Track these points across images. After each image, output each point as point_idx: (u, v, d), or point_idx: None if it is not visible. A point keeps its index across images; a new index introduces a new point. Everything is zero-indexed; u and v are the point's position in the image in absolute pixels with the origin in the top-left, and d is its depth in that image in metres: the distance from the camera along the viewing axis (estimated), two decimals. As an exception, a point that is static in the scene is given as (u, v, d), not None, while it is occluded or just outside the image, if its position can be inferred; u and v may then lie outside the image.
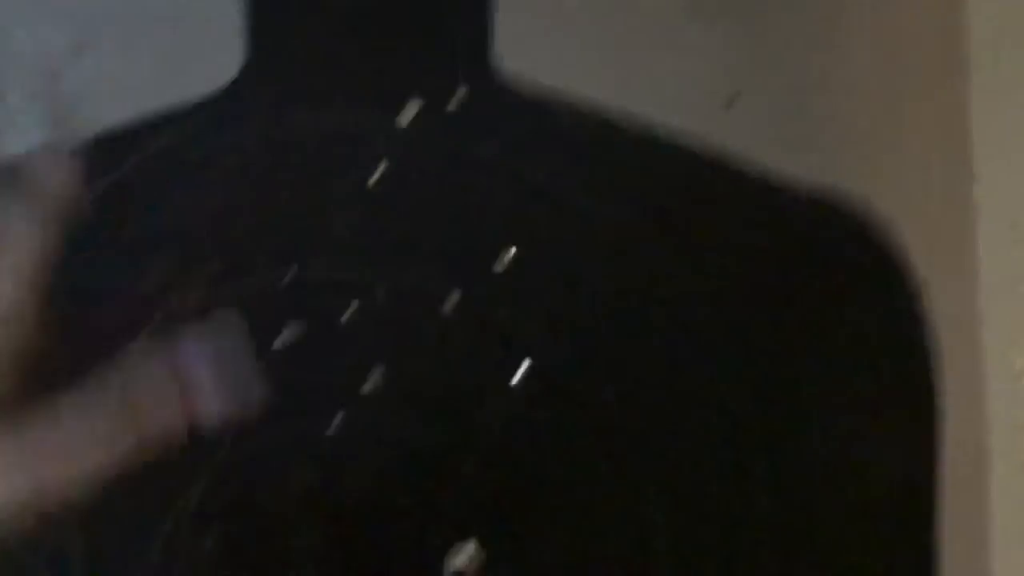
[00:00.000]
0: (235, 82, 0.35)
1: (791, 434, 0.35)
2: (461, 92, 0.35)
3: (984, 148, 0.37)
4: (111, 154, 0.35)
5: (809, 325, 0.36)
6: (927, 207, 0.37)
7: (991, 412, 0.37)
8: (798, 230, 0.36)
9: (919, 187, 0.37)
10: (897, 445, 0.34)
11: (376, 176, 0.36)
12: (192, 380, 0.28)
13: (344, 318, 0.35)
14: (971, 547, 0.36)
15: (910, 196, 0.37)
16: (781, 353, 0.35)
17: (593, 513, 0.34)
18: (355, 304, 0.35)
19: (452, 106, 0.35)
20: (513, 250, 0.35)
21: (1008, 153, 0.37)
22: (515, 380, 0.34)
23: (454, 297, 0.35)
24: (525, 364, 0.34)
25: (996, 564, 0.36)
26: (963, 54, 0.37)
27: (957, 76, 0.38)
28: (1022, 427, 0.36)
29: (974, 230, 0.36)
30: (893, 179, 0.37)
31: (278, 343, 0.35)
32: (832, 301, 0.36)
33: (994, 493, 0.36)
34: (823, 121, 0.36)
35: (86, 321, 0.32)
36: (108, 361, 0.28)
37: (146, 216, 0.35)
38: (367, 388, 0.35)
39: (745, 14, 0.36)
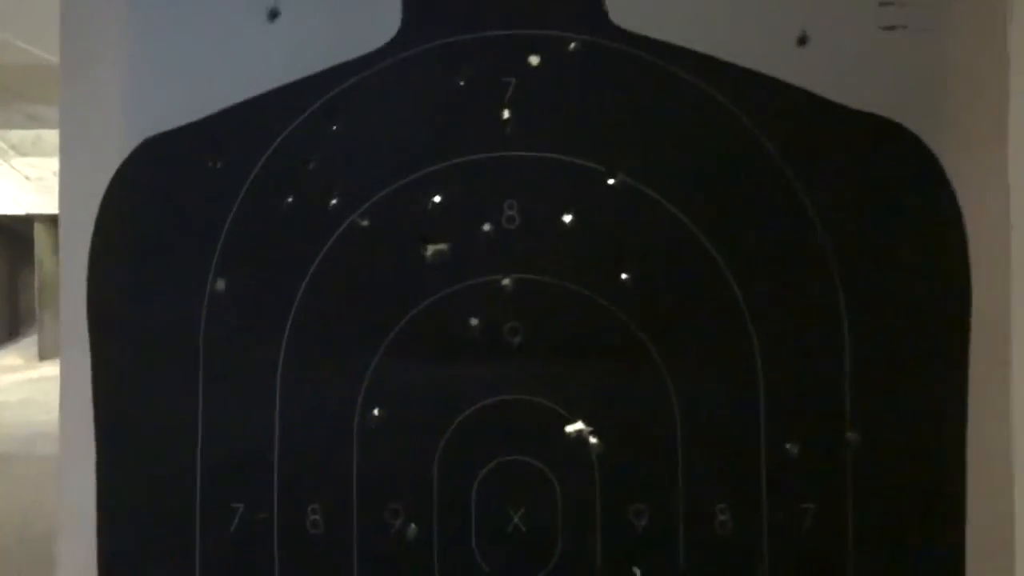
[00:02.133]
0: (394, 40, 0.44)
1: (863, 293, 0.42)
2: (579, 39, 0.43)
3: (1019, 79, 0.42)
4: (298, 99, 0.44)
5: (873, 222, 0.43)
6: (968, 137, 0.43)
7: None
8: (856, 145, 0.43)
9: (963, 121, 0.43)
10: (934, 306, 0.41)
11: (507, 115, 0.44)
12: None
13: (481, 231, 0.44)
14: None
15: (955, 127, 0.43)
16: (853, 244, 0.42)
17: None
18: (487, 222, 0.44)
19: (571, 48, 0.43)
20: (619, 175, 0.43)
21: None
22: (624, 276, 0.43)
23: (571, 212, 0.43)
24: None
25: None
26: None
27: (1000, 27, 0.43)
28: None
29: (1005, 160, 0.42)
30: (939, 112, 0.43)
31: (428, 251, 0.44)
32: (890, 204, 0.43)
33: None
34: (883, 59, 0.42)
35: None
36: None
37: (328, 149, 0.44)
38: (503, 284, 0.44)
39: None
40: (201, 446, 0.44)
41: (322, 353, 0.44)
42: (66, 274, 0.45)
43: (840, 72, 0.42)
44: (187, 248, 0.45)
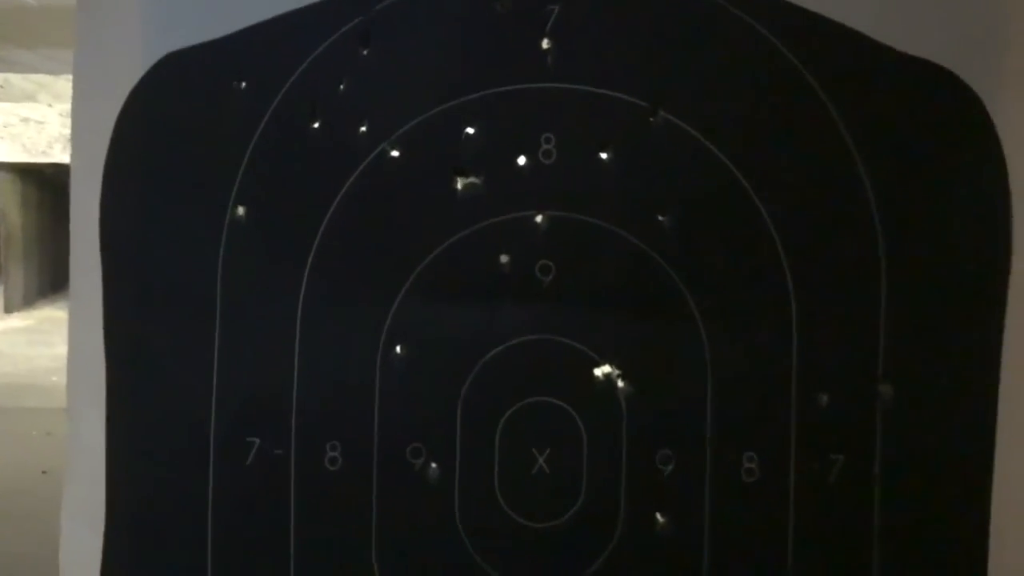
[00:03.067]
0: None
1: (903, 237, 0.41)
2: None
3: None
4: (329, 20, 0.42)
5: (918, 171, 0.42)
6: (1015, 89, 0.42)
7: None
8: (904, 89, 0.42)
9: (1018, 73, 0.42)
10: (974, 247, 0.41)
11: (547, 45, 0.42)
12: None
13: (516, 165, 0.42)
14: None
15: (1009, 80, 0.42)
16: (896, 193, 0.41)
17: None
18: (523, 155, 0.43)
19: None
20: (661, 112, 0.42)
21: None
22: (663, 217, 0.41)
23: (610, 150, 0.42)
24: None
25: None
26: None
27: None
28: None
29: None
30: (994, 62, 0.42)
31: (459, 184, 0.43)
32: (936, 153, 0.42)
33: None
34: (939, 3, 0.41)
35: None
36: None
37: (359, 74, 0.42)
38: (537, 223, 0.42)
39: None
40: (217, 380, 0.43)
41: (345, 287, 0.43)
42: (77, 196, 0.43)
43: (894, 14, 0.41)
44: (206, 172, 0.43)
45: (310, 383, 0.43)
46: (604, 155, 0.42)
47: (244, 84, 0.42)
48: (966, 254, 0.42)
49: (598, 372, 0.43)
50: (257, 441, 0.43)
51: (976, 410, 0.42)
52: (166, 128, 0.43)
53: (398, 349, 0.43)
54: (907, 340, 0.42)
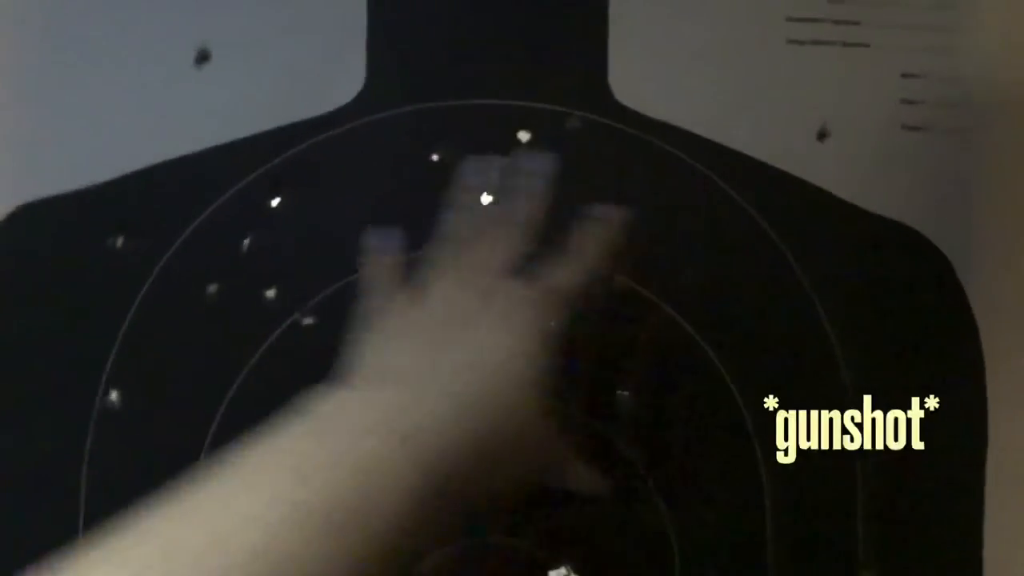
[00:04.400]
0: (357, 101, 0.36)
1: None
2: (578, 115, 0.37)
3: None
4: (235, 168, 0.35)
5: (886, 333, 0.39)
6: (983, 250, 0.40)
7: None
8: (873, 250, 0.39)
9: (981, 233, 0.40)
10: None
11: (486, 200, 0.37)
12: None
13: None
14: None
15: (975, 237, 0.40)
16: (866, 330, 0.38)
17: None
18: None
19: (570, 125, 0.37)
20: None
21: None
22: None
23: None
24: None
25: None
26: None
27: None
28: None
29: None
30: (959, 220, 0.40)
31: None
32: (904, 316, 0.39)
33: None
34: (904, 159, 0.39)
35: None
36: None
37: (267, 228, 0.36)
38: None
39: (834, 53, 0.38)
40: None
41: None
42: None
43: (859, 170, 0.38)
44: (73, 348, 0.35)
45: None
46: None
47: (122, 240, 0.35)
48: (942, 427, 0.39)
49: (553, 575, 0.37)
50: None
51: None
52: (21, 295, 0.34)
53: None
54: (883, 528, 0.38)
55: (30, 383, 0.34)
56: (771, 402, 0.37)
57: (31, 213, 0.34)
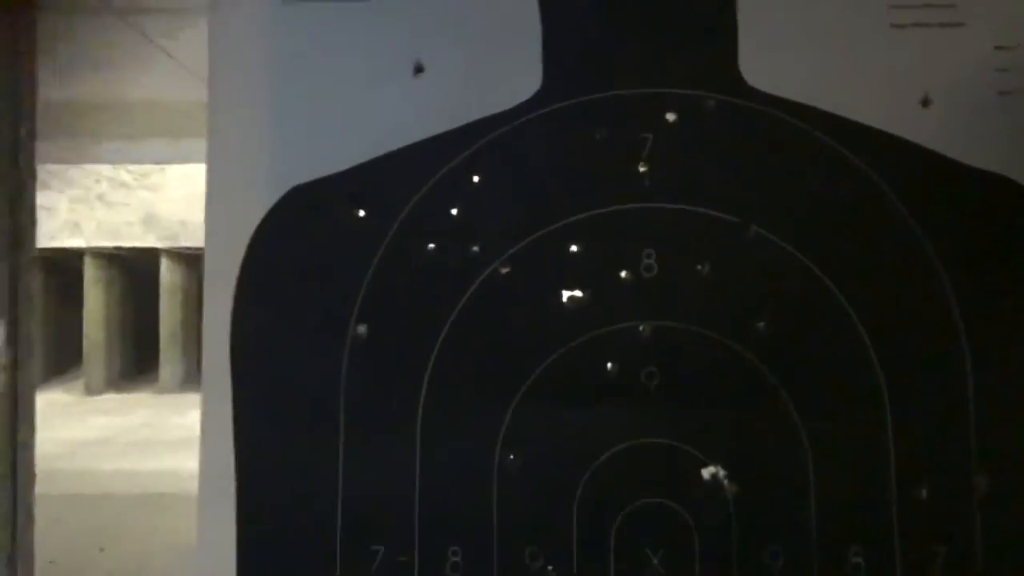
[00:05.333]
0: (535, 97, 0.46)
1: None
2: (715, 97, 0.45)
3: None
4: (443, 154, 0.46)
5: (991, 271, 0.45)
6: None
7: None
8: (976, 200, 0.45)
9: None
10: None
11: (643, 168, 0.46)
12: None
13: (619, 279, 0.45)
14: None
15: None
16: (974, 293, 0.44)
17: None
18: (625, 270, 0.46)
19: (708, 106, 0.45)
20: (753, 228, 0.45)
21: None
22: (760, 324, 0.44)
23: (706, 263, 0.45)
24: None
25: None
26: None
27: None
28: None
29: None
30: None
31: (567, 298, 0.46)
32: (1005, 255, 0.45)
33: None
34: (1000, 121, 0.45)
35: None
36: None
37: (470, 200, 0.46)
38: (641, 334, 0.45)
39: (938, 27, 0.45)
40: (342, 490, 0.45)
41: (462, 398, 0.45)
42: (209, 320, 0.46)
43: (960, 132, 0.45)
44: (330, 292, 0.46)
45: (431, 490, 0.45)
46: (702, 268, 0.45)
47: (363, 212, 0.46)
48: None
49: (705, 473, 0.45)
50: (382, 548, 0.44)
51: (1068, 498, 0.44)
52: (293, 254, 0.46)
53: (513, 456, 0.45)
54: (999, 432, 0.44)
55: (300, 323, 0.46)
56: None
57: (299, 191, 0.46)
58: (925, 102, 0.45)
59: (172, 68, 1.43)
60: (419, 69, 0.47)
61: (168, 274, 3.91)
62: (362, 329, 0.46)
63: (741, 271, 0.45)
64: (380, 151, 0.46)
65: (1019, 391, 0.45)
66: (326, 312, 0.46)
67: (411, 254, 0.46)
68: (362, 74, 0.47)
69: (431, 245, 0.46)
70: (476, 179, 0.46)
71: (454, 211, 0.46)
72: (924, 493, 0.44)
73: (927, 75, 0.45)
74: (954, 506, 0.44)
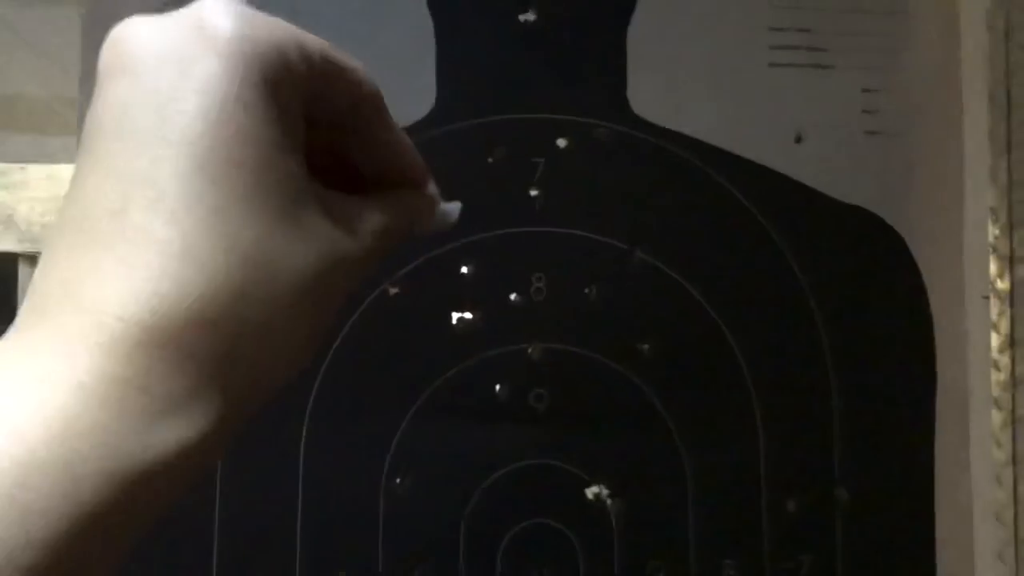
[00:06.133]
0: (428, 118, 0.46)
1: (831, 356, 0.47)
2: (603, 126, 0.46)
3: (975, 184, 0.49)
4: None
5: (857, 301, 0.48)
6: (929, 226, 0.49)
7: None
8: (843, 232, 0.48)
9: (927, 213, 0.49)
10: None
11: (535, 193, 0.46)
12: None
13: (509, 301, 0.46)
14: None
15: (920, 221, 0.49)
16: (840, 320, 0.47)
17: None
18: (515, 293, 0.46)
19: (598, 134, 0.46)
20: (639, 252, 0.47)
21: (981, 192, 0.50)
22: (644, 346, 0.46)
23: (592, 289, 0.46)
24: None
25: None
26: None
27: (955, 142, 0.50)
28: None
29: (961, 244, 0.49)
30: (910, 206, 0.49)
31: (456, 320, 0.46)
32: (866, 277, 0.48)
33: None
34: (866, 158, 0.48)
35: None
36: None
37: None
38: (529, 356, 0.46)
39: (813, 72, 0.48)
40: (219, 518, 0.43)
41: (348, 421, 0.45)
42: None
43: (830, 169, 0.48)
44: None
45: (316, 514, 0.44)
46: (589, 291, 0.46)
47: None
48: (900, 370, 0.48)
49: (589, 492, 0.46)
50: (262, 577, 0.43)
51: (917, 504, 0.48)
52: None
53: (400, 479, 0.45)
54: (856, 449, 0.47)
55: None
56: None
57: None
58: (798, 139, 0.48)
59: (36, 60, 1.33)
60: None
61: (28, 281, 3.63)
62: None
63: (627, 295, 0.46)
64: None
65: (877, 412, 0.48)
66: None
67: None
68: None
69: (319, 264, 0.45)
70: (367, 198, 0.45)
71: (344, 230, 0.45)
72: (791, 506, 0.47)
73: (801, 113, 0.48)
74: (818, 517, 0.47)
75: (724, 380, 0.47)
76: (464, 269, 0.46)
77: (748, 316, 0.47)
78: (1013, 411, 0.51)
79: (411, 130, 0.46)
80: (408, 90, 0.46)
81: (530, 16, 0.47)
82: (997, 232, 0.49)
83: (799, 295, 0.48)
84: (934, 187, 0.49)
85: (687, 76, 0.47)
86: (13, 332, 0.20)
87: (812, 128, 0.48)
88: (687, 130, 0.47)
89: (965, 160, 0.49)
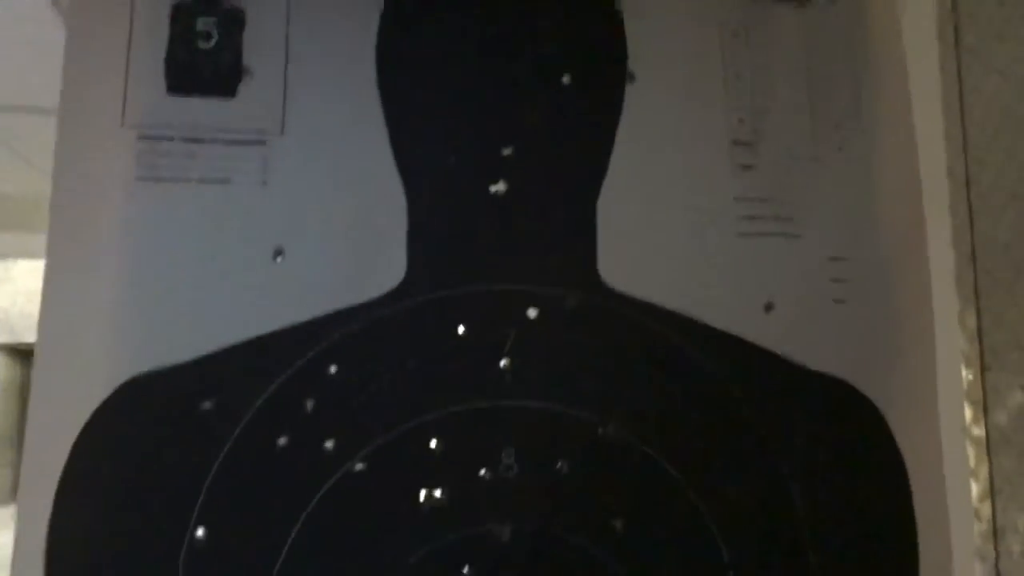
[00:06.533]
0: (399, 289, 0.45)
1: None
2: (573, 296, 0.46)
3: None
4: (301, 344, 0.44)
5: (825, 460, 0.47)
6: (903, 393, 0.49)
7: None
8: (816, 403, 0.48)
9: (899, 380, 0.49)
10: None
11: (504, 364, 0.46)
12: None
13: (478, 478, 0.45)
14: None
15: (893, 386, 0.49)
16: (816, 493, 0.46)
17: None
18: (485, 469, 0.45)
19: (568, 304, 0.46)
20: (610, 425, 0.46)
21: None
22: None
23: (563, 464, 0.45)
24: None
25: None
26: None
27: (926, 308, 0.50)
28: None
29: (936, 416, 0.49)
30: (882, 372, 0.49)
31: (424, 498, 0.44)
32: (841, 449, 0.48)
33: None
34: (835, 326, 0.48)
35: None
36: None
37: (327, 393, 0.44)
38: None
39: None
40: None
41: (309, 606, 0.42)
42: (23, 522, 0.41)
43: (800, 337, 0.48)
44: (167, 492, 0.42)
45: None
46: (560, 466, 0.45)
47: (210, 404, 0.43)
48: (879, 546, 0.47)
49: None
50: None
51: None
52: (126, 449, 0.42)
53: (361, 668, 0.42)
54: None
55: (133, 521, 0.42)
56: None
57: (138, 383, 0.42)
58: (768, 307, 0.48)
59: (15, 163, 1.34)
60: (279, 253, 0.45)
61: (4, 370, 3.58)
62: (201, 532, 0.42)
63: (597, 469, 0.45)
64: (232, 340, 0.44)
65: (849, 567, 0.47)
66: (161, 513, 0.42)
67: (260, 450, 0.43)
68: (217, 256, 0.45)
69: (282, 440, 0.43)
70: (333, 370, 0.44)
71: (309, 404, 0.44)
72: None
73: (770, 282, 0.48)
74: None
75: (699, 557, 0.46)
76: (432, 444, 0.44)
77: (725, 493, 0.46)
78: (997, 561, 0.50)
79: (381, 302, 0.45)
80: (378, 261, 0.45)
81: (500, 187, 0.47)
82: (971, 377, 0.49)
83: (772, 463, 0.47)
84: (905, 351, 0.49)
85: (657, 245, 0.48)
86: None
87: (782, 297, 0.48)
88: (657, 299, 0.47)
89: (935, 311, 0.49)
